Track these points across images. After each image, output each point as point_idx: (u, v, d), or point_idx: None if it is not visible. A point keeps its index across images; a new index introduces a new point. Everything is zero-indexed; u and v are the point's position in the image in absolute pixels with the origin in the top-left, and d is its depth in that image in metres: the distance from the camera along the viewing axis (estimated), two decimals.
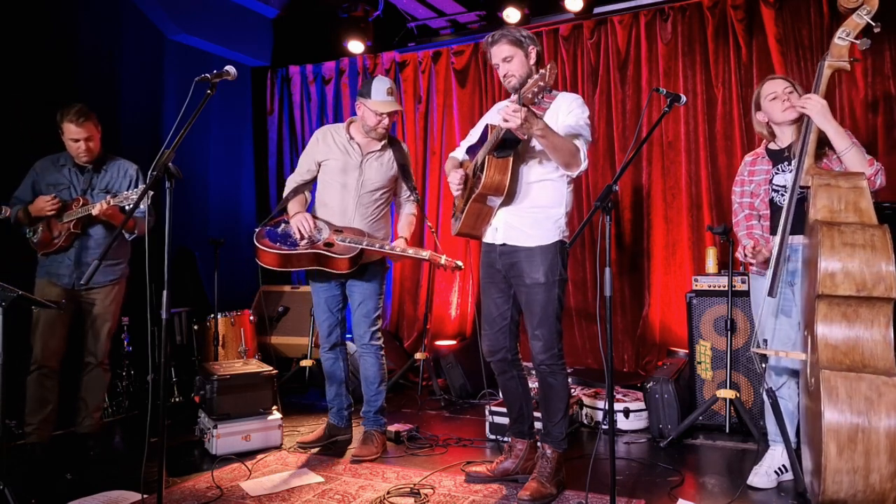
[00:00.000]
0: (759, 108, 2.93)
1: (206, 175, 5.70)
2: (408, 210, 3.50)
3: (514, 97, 2.43)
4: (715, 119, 4.59)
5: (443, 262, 3.16)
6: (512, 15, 4.91)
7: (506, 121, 2.41)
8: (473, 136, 3.04)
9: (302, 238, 3.26)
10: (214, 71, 2.39)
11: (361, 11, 5.45)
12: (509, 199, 2.73)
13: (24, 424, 3.34)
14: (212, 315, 4.65)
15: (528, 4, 4.90)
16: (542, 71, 2.34)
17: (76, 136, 3.31)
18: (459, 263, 3.19)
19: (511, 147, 2.64)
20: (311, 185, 3.49)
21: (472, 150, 2.98)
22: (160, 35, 5.21)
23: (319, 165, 3.39)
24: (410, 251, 3.22)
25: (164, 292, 2.19)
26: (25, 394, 3.32)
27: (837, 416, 2.21)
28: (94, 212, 3.22)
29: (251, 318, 4.86)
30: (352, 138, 3.35)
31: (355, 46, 5.55)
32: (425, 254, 3.18)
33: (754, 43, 4.46)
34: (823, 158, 2.76)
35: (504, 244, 2.81)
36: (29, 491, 2.91)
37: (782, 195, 2.79)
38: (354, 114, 3.43)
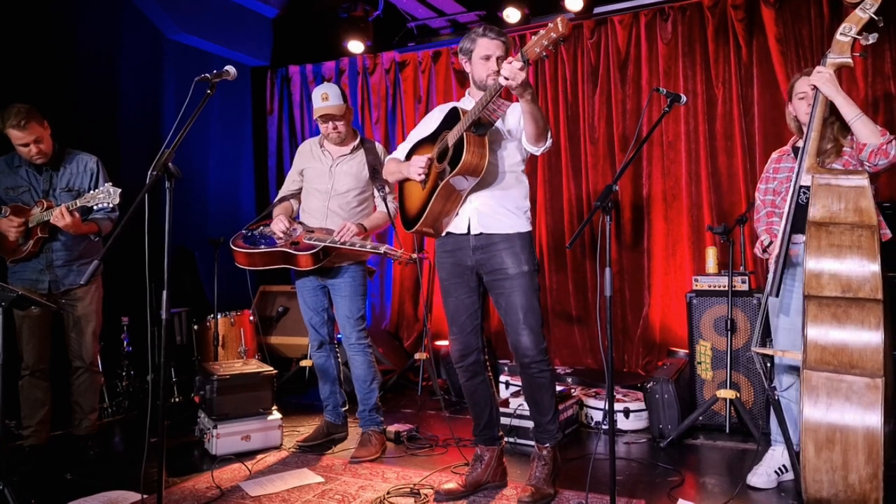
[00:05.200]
0: (790, 100, 2.88)
1: (206, 175, 5.70)
2: (392, 207, 3.49)
3: (516, 59, 2.32)
4: (715, 119, 4.58)
5: (398, 255, 3.19)
6: (512, 15, 4.90)
7: (507, 78, 2.33)
8: (416, 136, 2.97)
9: (279, 238, 3.37)
10: (214, 71, 2.38)
11: (361, 11, 5.45)
12: (483, 183, 2.67)
13: (22, 427, 3.34)
14: (211, 315, 4.65)
15: (528, 4, 4.90)
16: (550, 23, 2.19)
17: (23, 141, 3.19)
18: (414, 257, 3.21)
19: (485, 128, 2.59)
20: (298, 195, 3.61)
21: (424, 143, 2.89)
22: (160, 35, 5.21)
23: (303, 176, 3.55)
24: (369, 245, 3.24)
25: (164, 292, 2.19)
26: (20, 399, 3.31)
27: (816, 414, 2.22)
28: (53, 221, 3.13)
29: (251, 318, 4.87)
30: (322, 146, 3.50)
31: (355, 46, 5.55)
32: (382, 248, 3.22)
33: (754, 43, 4.46)
34: (845, 155, 2.69)
35: (480, 233, 2.74)
36: (29, 491, 2.91)
37: (804, 193, 2.74)
38: None
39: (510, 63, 2.33)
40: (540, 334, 2.74)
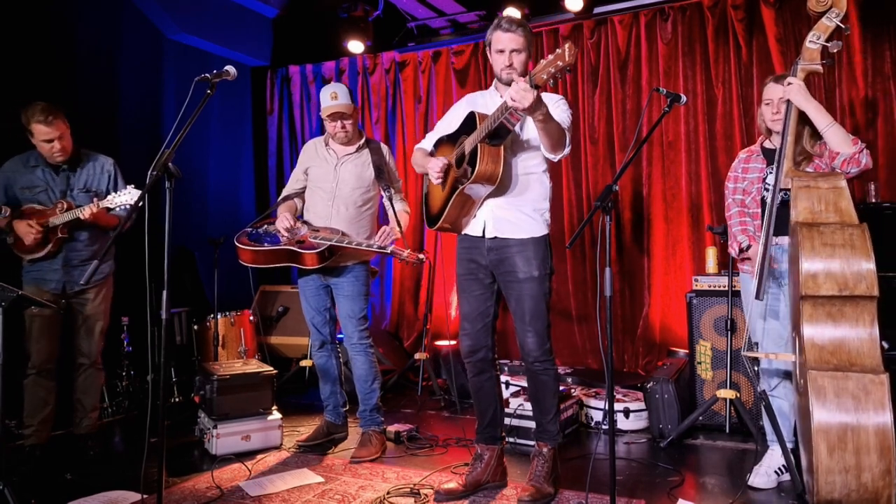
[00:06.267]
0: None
1: (206, 175, 5.70)
2: (398, 207, 3.52)
3: (523, 80, 2.32)
4: (715, 119, 4.59)
5: (404, 255, 3.21)
6: (512, 15, 4.90)
7: (514, 101, 2.32)
8: (443, 128, 2.98)
9: (283, 236, 3.37)
10: (214, 71, 2.38)
11: (361, 11, 5.45)
12: (499, 189, 2.68)
13: (23, 426, 3.34)
14: (211, 315, 4.65)
15: (529, 4, 4.90)
16: (558, 50, 2.21)
17: (48, 137, 3.21)
18: (421, 257, 3.24)
19: (502, 137, 2.59)
20: (302, 193, 3.60)
21: (446, 141, 2.90)
22: (159, 34, 5.21)
23: (308, 175, 3.54)
24: (375, 245, 3.27)
25: (164, 292, 2.19)
26: (24, 397, 3.31)
27: (826, 415, 2.22)
28: (84, 216, 3.17)
29: (251, 318, 4.87)
30: (328, 145, 3.50)
31: (355, 46, 5.55)
32: (389, 249, 3.24)
33: (754, 43, 4.46)
34: (815, 159, 2.76)
35: (495, 237, 2.77)
36: (29, 491, 2.92)
37: (782, 195, 2.80)
38: None
39: (517, 85, 2.31)
40: (544, 336, 2.77)
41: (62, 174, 3.36)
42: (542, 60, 2.28)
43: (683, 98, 2.59)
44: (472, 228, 2.83)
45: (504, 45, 2.68)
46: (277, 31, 6.06)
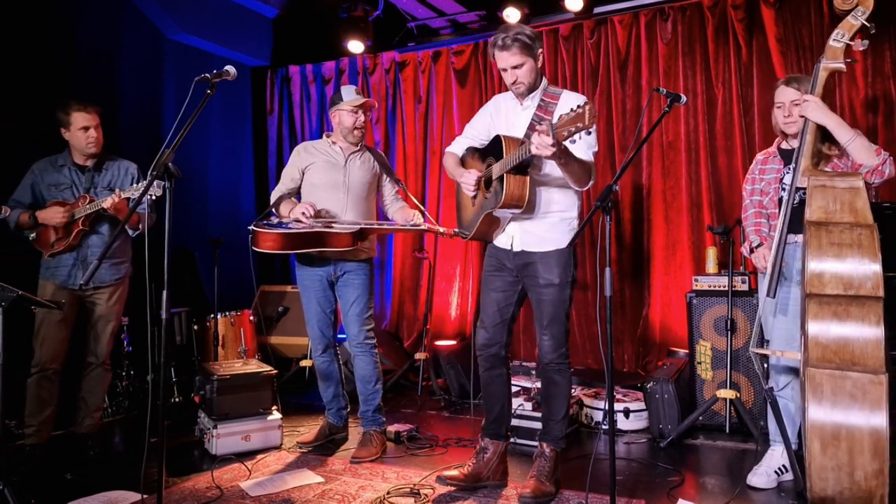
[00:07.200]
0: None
1: (206, 175, 5.70)
2: (402, 205, 3.60)
3: (544, 126, 2.38)
4: (715, 119, 4.58)
5: (441, 231, 3.30)
6: (512, 15, 4.90)
7: (537, 149, 2.38)
8: (471, 133, 3.03)
9: (301, 224, 3.33)
10: (214, 71, 2.39)
11: (361, 11, 5.45)
12: (527, 211, 2.73)
13: (24, 426, 3.34)
14: (211, 315, 4.65)
15: (529, 4, 4.89)
16: (579, 110, 2.24)
17: (87, 123, 3.32)
18: (461, 232, 3.25)
19: (528, 165, 2.65)
20: (295, 194, 3.58)
21: (474, 153, 2.98)
22: (159, 34, 5.21)
23: (303, 174, 3.52)
24: (409, 224, 3.34)
25: (164, 292, 2.19)
26: (25, 396, 3.31)
27: (821, 413, 2.23)
28: (105, 205, 3.21)
29: (251, 318, 4.86)
30: (333, 143, 3.52)
31: (355, 46, 5.55)
32: (424, 225, 3.30)
33: (754, 43, 4.46)
34: (833, 159, 2.75)
35: (521, 251, 2.83)
36: (29, 491, 2.92)
37: (798, 194, 2.79)
38: None
39: (541, 137, 2.35)
40: (560, 340, 2.81)
41: (87, 174, 3.42)
42: (563, 115, 2.31)
43: (683, 98, 2.59)
44: (501, 241, 2.91)
45: (503, 63, 2.73)
46: (277, 31, 6.06)
